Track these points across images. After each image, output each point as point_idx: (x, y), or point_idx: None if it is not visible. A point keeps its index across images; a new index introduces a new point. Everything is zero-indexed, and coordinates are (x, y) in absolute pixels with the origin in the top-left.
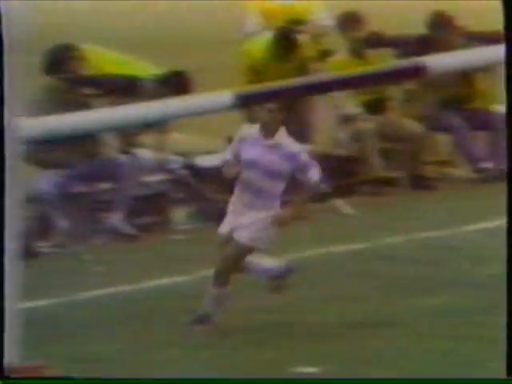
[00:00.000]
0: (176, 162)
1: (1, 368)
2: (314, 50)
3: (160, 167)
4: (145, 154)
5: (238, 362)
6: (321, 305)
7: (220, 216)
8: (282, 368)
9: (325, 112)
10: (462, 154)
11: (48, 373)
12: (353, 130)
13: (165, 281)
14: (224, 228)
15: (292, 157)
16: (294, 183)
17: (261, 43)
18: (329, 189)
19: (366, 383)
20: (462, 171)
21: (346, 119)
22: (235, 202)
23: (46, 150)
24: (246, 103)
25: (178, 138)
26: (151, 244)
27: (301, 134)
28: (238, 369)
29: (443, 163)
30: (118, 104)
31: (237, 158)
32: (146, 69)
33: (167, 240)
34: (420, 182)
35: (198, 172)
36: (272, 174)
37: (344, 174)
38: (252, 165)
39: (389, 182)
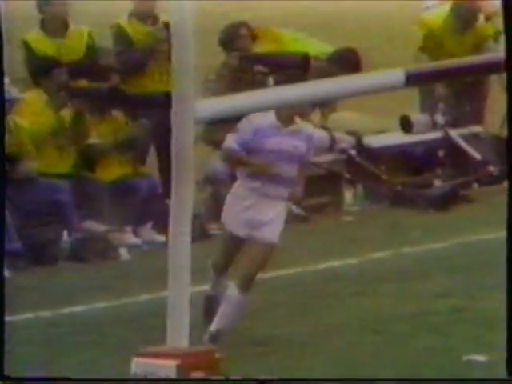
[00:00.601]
0: (347, 141)
1: (1, 368)
2: (489, 30)
3: (331, 147)
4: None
5: (407, 349)
6: (492, 290)
7: (391, 197)
8: (453, 355)
9: (497, 92)
10: None
11: (217, 357)
12: None
13: (335, 263)
14: (240, 229)
15: (308, 138)
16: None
17: (439, 15)
18: (501, 171)
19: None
20: None
21: None
22: (250, 197)
23: (218, 130)
24: (418, 82)
25: (348, 117)
26: (321, 226)
27: (472, 114)
28: (406, 356)
29: None
30: (290, 82)
31: (246, 148)
32: (317, 46)
33: (337, 222)
34: None
35: (368, 152)
36: (296, 160)
37: None
38: (279, 155)
39: None
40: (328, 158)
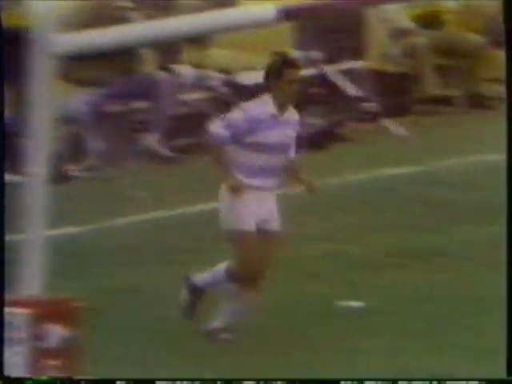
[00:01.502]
0: (216, 78)
1: (1, 368)
2: None
3: (200, 84)
4: (184, 70)
5: (278, 294)
6: (366, 233)
7: None
8: (329, 302)
9: (376, 26)
10: None
11: (75, 305)
12: (406, 45)
13: (209, 205)
14: (248, 224)
15: (296, 124)
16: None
17: None
18: (379, 108)
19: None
20: None
21: (399, 33)
22: (251, 190)
23: (80, 66)
24: (290, 17)
25: (218, 54)
26: (190, 167)
27: (351, 49)
28: (278, 301)
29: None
30: (156, 18)
31: (239, 136)
32: None
33: (206, 164)
34: (478, 101)
35: (239, 89)
36: (286, 149)
37: (396, 92)
38: (275, 148)
39: (444, 101)
40: (197, 96)
